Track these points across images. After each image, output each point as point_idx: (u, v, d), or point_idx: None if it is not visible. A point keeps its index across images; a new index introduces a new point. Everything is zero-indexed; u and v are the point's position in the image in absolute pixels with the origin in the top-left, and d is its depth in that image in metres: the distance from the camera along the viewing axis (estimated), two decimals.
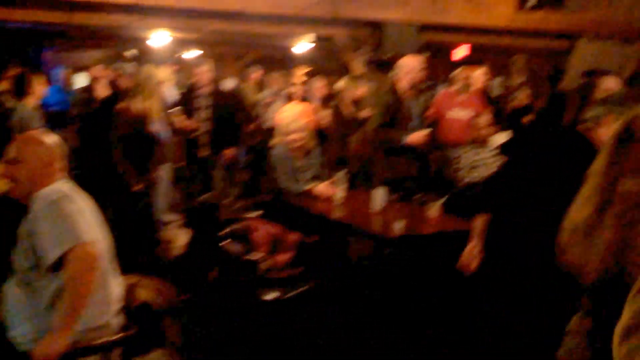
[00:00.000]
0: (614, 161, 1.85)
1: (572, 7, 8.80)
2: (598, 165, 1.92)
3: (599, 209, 1.85)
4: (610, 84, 3.29)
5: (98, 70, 6.99)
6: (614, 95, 2.87)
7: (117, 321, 2.77)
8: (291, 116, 7.12)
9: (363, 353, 4.15)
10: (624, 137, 1.84)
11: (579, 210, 1.93)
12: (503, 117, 9.92)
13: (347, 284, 4.98)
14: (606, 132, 2.75)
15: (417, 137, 5.70)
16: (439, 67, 12.83)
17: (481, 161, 6.12)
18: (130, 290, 2.93)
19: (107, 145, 5.56)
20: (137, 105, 5.43)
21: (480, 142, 6.25)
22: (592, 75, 3.40)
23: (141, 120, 5.47)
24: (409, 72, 5.75)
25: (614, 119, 2.75)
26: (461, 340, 3.98)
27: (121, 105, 5.48)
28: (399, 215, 4.34)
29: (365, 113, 7.88)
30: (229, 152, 7.10)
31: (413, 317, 4.50)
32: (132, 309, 2.85)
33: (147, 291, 3.00)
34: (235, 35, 11.03)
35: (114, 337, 2.70)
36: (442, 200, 4.60)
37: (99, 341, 2.63)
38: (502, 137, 8.47)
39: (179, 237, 6.06)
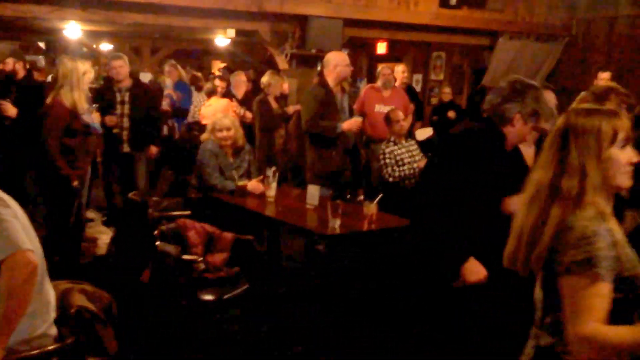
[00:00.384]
0: (556, 161, 1.94)
1: (493, 5, 9.04)
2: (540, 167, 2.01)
3: (543, 212, 1.93)
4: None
5: (10, 62, 6.63)
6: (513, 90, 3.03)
7: (54, 331, 2.60)
8: (218, 112, 7.02)
9: (300, 351, 4.11)
10: (563, 138, 1.94)
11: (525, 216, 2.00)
12: (425, 113, 10.12)
13: (283, 283, 4.92)
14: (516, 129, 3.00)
15: (351, 123, 5.71)
16: (362, 62, 12.95)
17: (406, 156, 6.17)
18: (63, 297, 2.76)
19: (31, 139, 5.33)
20: (66, 97, 5.20)
21: (405, 137, 6.30)
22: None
23: (73, 112, 5.25)
24: (335, 67, 5.73)
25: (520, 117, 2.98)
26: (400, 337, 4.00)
27: (52, 97, 5.22)
28: (335, 212, 4.30)
29: (292, 109, 7.84)
30: (151, 149, 6.89)
31: (355, 314, 4.49)
32: (67, 317, 2.68)
33: (81, 297, 2.83)
34: (152, 28, 10.74)
35: (51, 347, 2.53)
36: (378, 198, 4.59)
37: (36, 352, 2.46)
38: (425, 133, 8.63)
39: (102, 236, 5.84)
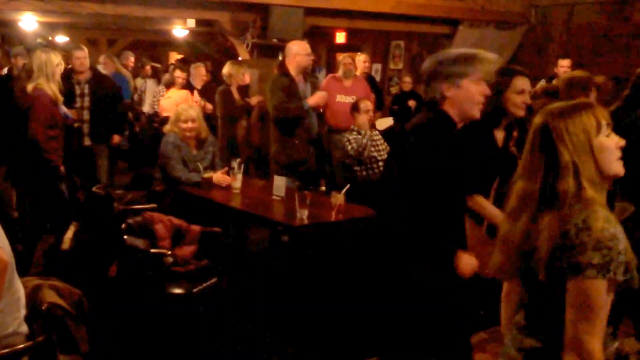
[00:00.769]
0: (542, 166, 1.93)
1: None
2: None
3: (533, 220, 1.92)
4: (523, 84, 3.46)
5: None
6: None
7: (25, 328, 2.57)
8: (179, 103, 6.96)
9: (269, 341, 4.13)
10: (545, 141, 1.93)
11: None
12: (385, 102, 10.17)
13: (250, 275, 4.93)
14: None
15: (316, 98, 5.75)
16: (321, 52, 12.93)
17: (368, 146, 6.20)
18: (34, 294, 2.74)
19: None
20: (47, 88, 5.16)
21: (366, 127, 6.33)
22: (506, 74, 3.54)
23: (54, 102, 5.21)
24: (296, 56, 5.75)
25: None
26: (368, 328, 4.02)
27: (32, 88, 5.14)
28: (303, 203, 4.33)
29: (255, 100, 7.81)
30: (113, 138, 6.83)
31: (322, 304, 4.52)
32: (38, 314, 2.66)
33: (52, 294, 2.81)
34: (109, 19, 10.57)
35: (22, 345, 2.50)
36: (345, 189, 4.62)
37: (7, 350, 2.44)
38: (385, 122, 8.68)
39: (67, 230, 5.76)
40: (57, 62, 5.26)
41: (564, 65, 7.86)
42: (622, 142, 1.93)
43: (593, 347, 1.75)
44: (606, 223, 1.78)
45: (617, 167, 1.92)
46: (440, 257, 2.79)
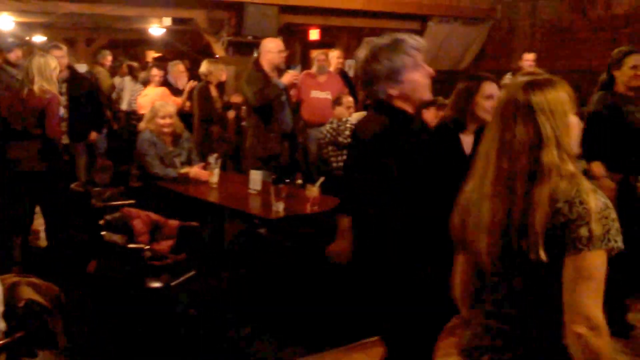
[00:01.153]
0: (507, 133, 1.86)
1: None
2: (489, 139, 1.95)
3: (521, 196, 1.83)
4: (492, 89, 3.40)
5: None
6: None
7: (2, 325, 2.53)
8: (156, 100, 6.89)
9: (248, 333, 4.12)
10: (512, 109, 1.86)
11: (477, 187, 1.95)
12: (358, 98, 10.16)
13: (227, 268, 4.90)
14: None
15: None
16: (295, 49, 12.89)
17: (343, 130, 6.20)
18: (11, 291, 2.69)
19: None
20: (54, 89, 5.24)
21: (342, 122, 6.33)
22: (475, 79, 3.49)
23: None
24: (270, 53, 5.73)
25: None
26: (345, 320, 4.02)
27: (42, 89, 5.09)
28: (278, 196, 4.31)
29: (235, 98, 7.76)
30: (91, 134, 6.75)
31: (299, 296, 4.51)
32: (15, 311, 2.61)
33: (30, 290, 2.76)
34: (87, 19, 10.43)
35: (0, 342, 2.46)
36: (320, 181, 4.61)
37: None
38: (360, 117, 8.67)
39: (43, 227, 5.68)
40: (54, 65, 5.28)
41: (528, 59, 7.90)
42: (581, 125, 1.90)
43: (601, 317, 1.72)
44: (596, 194, 1.76)
45: (576, 147, 1.89)
46: (440, 257, 2.57)
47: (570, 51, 8.63)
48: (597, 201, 1.74)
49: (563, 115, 1.82)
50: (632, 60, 4.40)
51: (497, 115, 1.95)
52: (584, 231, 1.72)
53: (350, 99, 6.54)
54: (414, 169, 2.66)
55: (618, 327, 3.97)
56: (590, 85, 5.03)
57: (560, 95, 1.85)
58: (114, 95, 10.14)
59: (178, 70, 8.32)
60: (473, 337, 2.02)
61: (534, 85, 1.87)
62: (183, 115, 6.48)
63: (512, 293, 1.91)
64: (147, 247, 4.00)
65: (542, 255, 1.75)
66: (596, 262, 1.72)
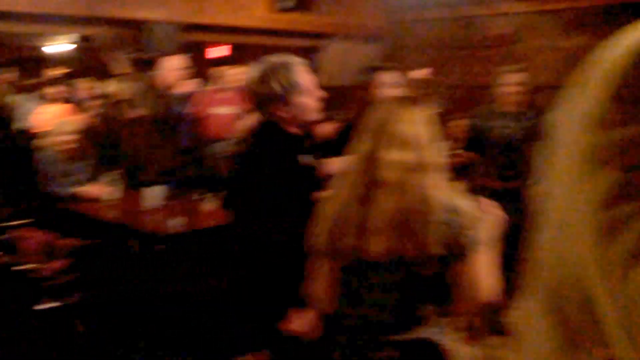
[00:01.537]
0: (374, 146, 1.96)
1: (320, 10, 9.26)
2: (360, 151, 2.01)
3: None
4: (386, 79, 3.44)
5: None
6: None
7: None
8: (56, 118, 6.67)
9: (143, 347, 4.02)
10: (381, 124, 1.97)
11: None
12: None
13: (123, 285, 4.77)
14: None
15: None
16: (198, 65, 12.77)
17: None
18: None
19: None
20: None
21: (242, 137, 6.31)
22: (372, 71, 3.54)
23: None
24: (169, 71, 5.67)
25: None
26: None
27: None
28: (174, 211, 4.24)
29: (134, 113, 7.59)
30: None
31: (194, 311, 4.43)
32: None
33: None
34: None
35: None
36: (219, 195, 4.56)
37: None
38: None
39: None
40: None
41: (421, 75, 8.10)
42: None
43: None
44: (461, 199, 1.87)
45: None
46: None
47: (459, 67, 8.93)
48: (465, 207, 1.86)
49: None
50: (508, 77, 4.62)
51: (364, 130, 2.02)
52: (464, 239, 1.84)
53: (243, 116, 6.54)
54: (287, 189, 2.62)
55: None
56: (480, 101, 5.29)
57: (412, 117, 1.96)
58: (9, 113, 9.69)
59: (80, 87, 8.09)
60: (353, 331, 2.09)
61: (394, 108, 2.00)
62: (90, 132, 6.29)
63: (392, 288, 2.00)
64: (40, 267, 3.85)
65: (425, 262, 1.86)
66: (481, 263, 1.86)
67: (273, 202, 2.60)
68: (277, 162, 2.67)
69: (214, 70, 7.95)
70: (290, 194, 2.62)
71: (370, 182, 1.93)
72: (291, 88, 2.67)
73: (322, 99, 2.83)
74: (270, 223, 2.60)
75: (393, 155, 1.89)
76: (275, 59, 2.79)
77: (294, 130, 2.75)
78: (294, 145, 2.76)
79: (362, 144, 1.99)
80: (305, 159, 2.79)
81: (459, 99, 7.33)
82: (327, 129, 5.74)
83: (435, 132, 1.97)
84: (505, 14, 8.37)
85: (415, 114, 1.96)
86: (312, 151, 2.93)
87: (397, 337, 1.98)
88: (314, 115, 2.80)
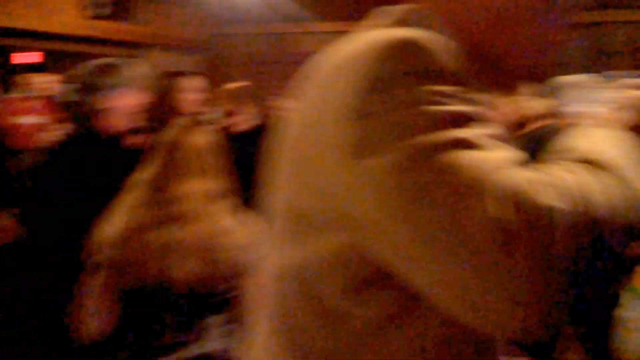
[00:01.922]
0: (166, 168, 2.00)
1: (137, 19, 9.05)
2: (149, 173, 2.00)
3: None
4: (185, 84, 3.39)
5: None
6: None
7: None
8: None
9: None
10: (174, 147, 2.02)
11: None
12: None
13: None
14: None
15: None
16: (2, 72, 11.99)
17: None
18: None
19: None
20: None
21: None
22: (170, 76, 3.48)
23: None
24: None
25: None
26: None
27: None
28: None
29: None
30: None
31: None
32: None
33: None
34: None
35: None
36: (14, 210, 4.28)
37: None
38: None
39: None
40: None
41: (230, 88, 8.17)
42: None
43: None
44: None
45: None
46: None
47: (273, 82, 9.13)
48: None
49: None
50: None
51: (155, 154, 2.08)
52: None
53: (48, 125, 6.24)
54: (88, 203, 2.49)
55: None
56: None
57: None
58: None
59: None
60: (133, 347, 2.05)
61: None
62: None
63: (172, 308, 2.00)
64: None
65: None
66: None
67: (70, 218, 2.47)
68: (80, 174, 2.57)
69: (20, 78, 7.44)
70: (91, 208, 2.47)
71: (164, 212, 1.94)
72: (104, 96, 2.59)
73: (138, 107, 2.74)
74: (64, 240, 2.48)
75: (185, 187, 1.91)
76: (99, 62, 2.72)
77: (105, 139, 2.65)
78: (103, 155, 2.65)
79: (152, 169, 2.00)
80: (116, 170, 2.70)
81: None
82: (139, 138, 5.60)
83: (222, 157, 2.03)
84: (313, 32, 8.69)
85: (202, 137, 1.99)
86: (125, 161, 2.83)
87: (178, 356, 1.96)
88: (126, 124, 2.70)
